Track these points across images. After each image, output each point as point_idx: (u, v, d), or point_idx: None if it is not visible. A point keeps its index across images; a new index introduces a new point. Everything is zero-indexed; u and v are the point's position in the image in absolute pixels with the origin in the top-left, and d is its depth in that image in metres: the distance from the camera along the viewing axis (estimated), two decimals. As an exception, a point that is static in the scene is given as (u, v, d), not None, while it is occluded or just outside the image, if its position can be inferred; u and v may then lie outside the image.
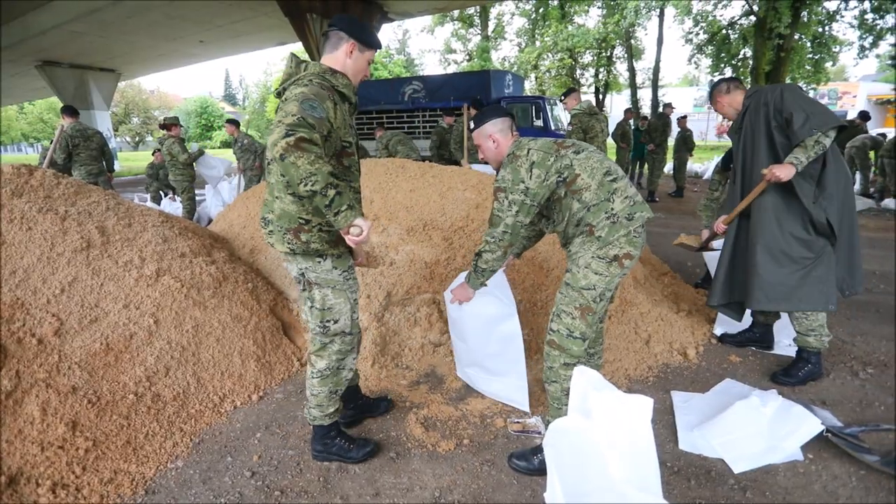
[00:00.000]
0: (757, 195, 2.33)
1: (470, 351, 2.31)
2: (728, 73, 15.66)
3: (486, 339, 2.20)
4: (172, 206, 6.61)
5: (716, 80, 2.67)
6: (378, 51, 1.75)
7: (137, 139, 39.98)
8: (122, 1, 9.96)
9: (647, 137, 8.62)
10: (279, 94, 1.62)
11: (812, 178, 2.26)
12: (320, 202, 1.40)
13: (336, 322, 1.77)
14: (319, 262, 1.70)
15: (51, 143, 5.40)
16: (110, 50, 14.17)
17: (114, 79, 17.90)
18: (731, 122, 2.58)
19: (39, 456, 1.77)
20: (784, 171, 2.15)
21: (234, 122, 7.17)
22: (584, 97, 5.66)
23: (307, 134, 1.38)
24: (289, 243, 1.65)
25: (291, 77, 1.60)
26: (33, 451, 1.77)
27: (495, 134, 1.84)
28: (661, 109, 8.92)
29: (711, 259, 3.35)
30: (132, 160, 24.76)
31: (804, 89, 14.61)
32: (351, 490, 1.78)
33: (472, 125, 1.89)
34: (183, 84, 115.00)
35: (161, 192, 7.87)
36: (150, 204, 7.02)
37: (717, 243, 2.88)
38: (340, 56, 1.63)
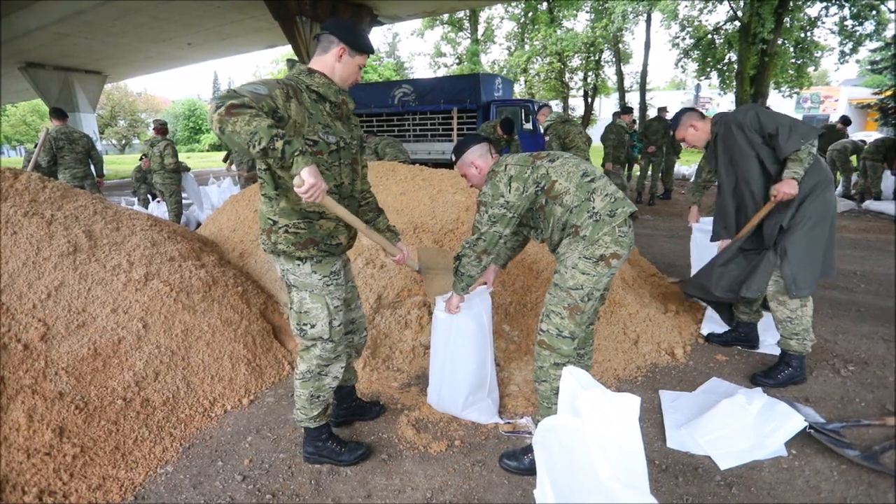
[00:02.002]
0: (766, 213, 2.38)
1: (443, 368, 2.20)
2: (714, 76, 15.89)
3: (461, 351, 2.13)
4: (160, 209, 6.55)
5: (681, 109, 2.69)
6: (370, 55, 1.73)
7: (124, 142, 39.40)
8: (109, 3, 9.86)
9: (646, 140, 8.30)
10: None
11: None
12: (274, 157, 1.35)
13: (313, 327, 1.75)
14: (299, 265, 1.70)
15: (34, 146, 5.32)
16: (96, 52, 13.99)
17: (100, 81, 17.66)
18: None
19: (25, 463, 1.74)
20: (791, 188, 2.22)
21: None
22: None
23: (237, 100, 1.33)
24: (263, 243, 1.72)
25: None
26: (19, 458, 1.75)
27: (476, 160, 1.92)
28: (656, 112, 8.73)
29: (698, 263, 3.44)
30: (118, 163, 24.43)
31: (788, 92, 14.90)
32: (343, 492, 1.78)
33: (453, 157, 1.97)
34: (171, 86, 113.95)
35: (149, 196, 7.78)
36: (137, 207, 6.95)
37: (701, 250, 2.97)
38: (329, 59, 1.62)
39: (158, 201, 6.82)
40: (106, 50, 13.82)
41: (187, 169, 6.49)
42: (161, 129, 6.21)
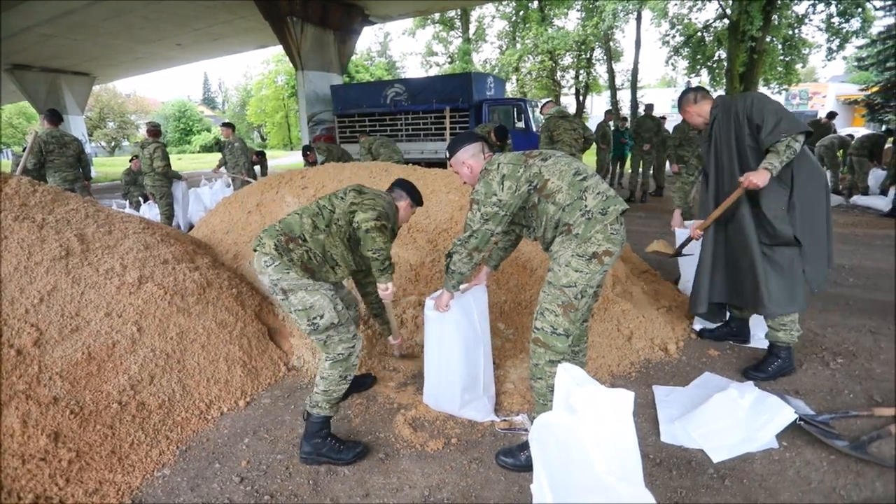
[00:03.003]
0: (733, 202, 2.36)
1: (438, 366, 2.21)
2: (704, 74, 16.02)
3: (456, 351, 2.13)
4: (151, 212, 6.50)
5: (684, 89, 2.66)
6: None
7: (113, 144, 38.96)
8: (97, 3, 9.76)
9: (639, 138, 8.16)
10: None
11: (786, 185, 2.30)
12: (377, 265, 2.00)
13: (322, 317, 1.88)
14: (288, 272, 1.88)
15: (23, 149, 5.23)
16: (84, 53, 13.85)
17: (88, 83, 17.48)
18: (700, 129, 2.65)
19: (21, 469, 1.74)
20: (760, 178, 2.16)
21: (230, 126, 7.54)
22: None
23: (388, 223, 1.99)
24: (276, 241, 1.90)
25: None
26: (14, 465, 1.74)
27: (468, 160, 1.96)
28: (643, 111, 8.69)
29: (686, 262, 3.45)
30: (108, 166, 24.14)
31: (777, 89, 15.01)
32: (341, 492, 1.79)
33: (447, 155, 2.03)
34: (160, 88, 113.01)
35: (140, 198, 7.74)
36: (129, 210, 6.90)
37: (689, 248, 2.93)
38: (401, 205, 2.23)
39: (150, 204, 6.78)
40: (94, 51, 13.70)
41: (179, 177, 6.46)
42: (154, 130, 6.17)
